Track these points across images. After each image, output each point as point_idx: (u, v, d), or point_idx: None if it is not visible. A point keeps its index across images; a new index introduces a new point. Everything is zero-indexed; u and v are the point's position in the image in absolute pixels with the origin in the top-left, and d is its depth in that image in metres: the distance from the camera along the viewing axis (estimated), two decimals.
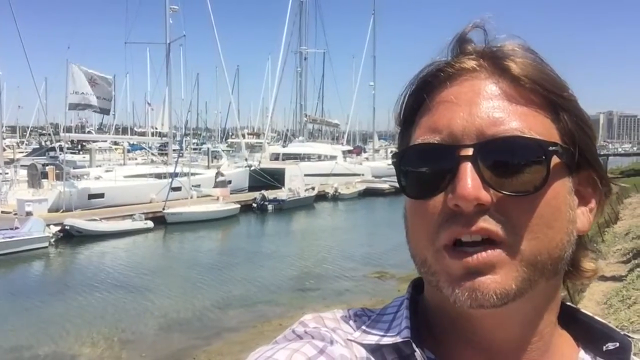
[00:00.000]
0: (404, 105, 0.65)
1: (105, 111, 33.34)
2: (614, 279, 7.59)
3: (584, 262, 0.65)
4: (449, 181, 0.57)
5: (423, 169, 0.59)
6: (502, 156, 0.56)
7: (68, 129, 47.70)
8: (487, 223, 0.55)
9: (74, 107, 30.49)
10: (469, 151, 0.56)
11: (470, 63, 0.61)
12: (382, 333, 0.62)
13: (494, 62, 0.61)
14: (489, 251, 0.55)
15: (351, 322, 0.65)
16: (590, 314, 0.69)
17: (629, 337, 0.65)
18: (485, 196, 0.55)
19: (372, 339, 0.62)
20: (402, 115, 0.66)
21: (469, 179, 0.55)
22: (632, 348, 0.64)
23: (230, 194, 30.58)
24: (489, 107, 0.58)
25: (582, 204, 0.63)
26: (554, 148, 0.57)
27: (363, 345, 0.61)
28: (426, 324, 0.64)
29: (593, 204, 0.64)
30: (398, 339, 0.60)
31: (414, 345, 0.59)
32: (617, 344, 0.64)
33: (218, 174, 32.45)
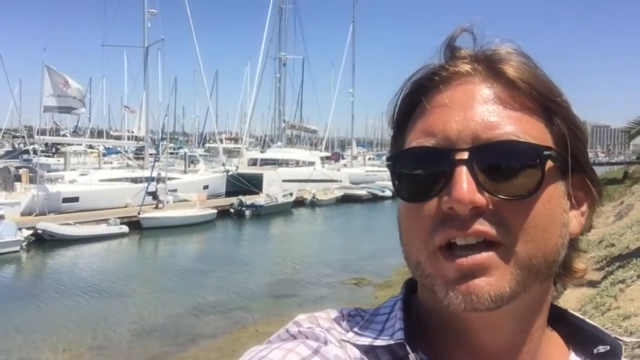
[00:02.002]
0: (398, 108, 0.65)
1: (75, 110, 32.77)
2: (588, 286, 7.70)
3: (575, 263, 0.66)
4: (444, 184, 0.57)
5: (418, 172, 0.60)
6: (497, 160, 0.57)
7: (42, 132, 46.85)
8: (482, 225, 0.55)
9: (49, 109, 30.05)
10: (465, 155, 0.56)
11: (464, 67, 0.61)
12: (375, 334, 0.62)
13: (489, 66, 0.61)
14: (484, 253, 0.55)
15: (345, 323, 0.65)
16: (580, 316, 0.69)
17: (619, 340, 0.65)
18: (481, 199, 0.55)
19: (366, 340, 0.62)
20: (396, 118, 0.65)
21: (465, 183, 0.55)
22: (622, 351, 0.64)
23: (207, 199, 30.36)
24: (483, 111, 0.58)
25: (574, 208, 0.64)
26: (548, 152, 0.58)
27: (357, 345, 0.61)
28: (419, 324, 0.64)
29: (585, 207, 0.65)
30: (392, 341, 0.60)
31: (407, 348, 0.59)
32: (608, 347, 0.64)
33: (159, 179, 29.07)
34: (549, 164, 0.58)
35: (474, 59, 0.62)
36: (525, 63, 0.61)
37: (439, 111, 0.60)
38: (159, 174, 29.46)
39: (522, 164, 0.57)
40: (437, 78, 0.61)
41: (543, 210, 0.57)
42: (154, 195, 27.35)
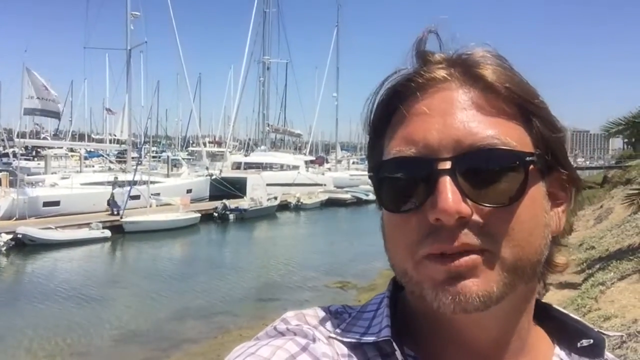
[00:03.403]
0: (374, 114, 0.64)
1: (54, 114, 32.45)
2: (569, 288, 7.80)
3: (555, 257, 0.66)
4: (427, 194, 0.56)
5: (400, 182, 0.59)
6: (480, 168, 0.56)
7: (22, 135, 46.36)
8: (468, 238, 0.55)
9: (29, 112, 29.71)
10: (447, 164, 0.56)
11: (440, 72, 0.60)
12: (362, 331, 0.63)
13: (465, 70, 0.60)
14: (472, 255, 0.55)
15: (332, 320, 0.65)
16: (564, 311, 0.70)
17: (603, 333, 0.66)
18: (466, 209, 0.55)
19: (354, 336, 0.62)
20: (372, 123, 0.65)
21: (449, 193, 0.54)
22: (605, 345, 0.66)
23: (191, 202, 30.17)
24: (463, 118, 0.58)
25: (555, 206, 0.64)
26: (530, 158, 0.58)
27: (344, 342, 0.61)
28: (406, 321, 0.65)
29: (564, 204, 0.65)
30: (379, 338, 0.61)
31: (394, 345, 0.59)
32: (592, 341, 0.65)
33: (115, 183, 27.87)
34: (531, 168, 0.58)
35: (450, 63, 0.61)
36: (501, 66, 0.61)
37: (419, 119, 0.59)
38: (115, 177, 28.55)
39: (505, 171, 0.56)
40: (413, 85, 0.60)
41: (527, 215, 0.57)
42: (109, 202, 26.43)
